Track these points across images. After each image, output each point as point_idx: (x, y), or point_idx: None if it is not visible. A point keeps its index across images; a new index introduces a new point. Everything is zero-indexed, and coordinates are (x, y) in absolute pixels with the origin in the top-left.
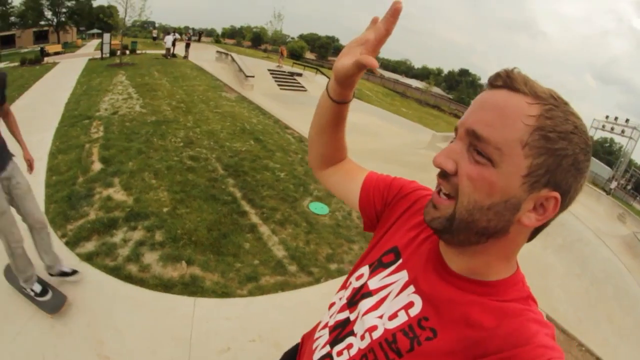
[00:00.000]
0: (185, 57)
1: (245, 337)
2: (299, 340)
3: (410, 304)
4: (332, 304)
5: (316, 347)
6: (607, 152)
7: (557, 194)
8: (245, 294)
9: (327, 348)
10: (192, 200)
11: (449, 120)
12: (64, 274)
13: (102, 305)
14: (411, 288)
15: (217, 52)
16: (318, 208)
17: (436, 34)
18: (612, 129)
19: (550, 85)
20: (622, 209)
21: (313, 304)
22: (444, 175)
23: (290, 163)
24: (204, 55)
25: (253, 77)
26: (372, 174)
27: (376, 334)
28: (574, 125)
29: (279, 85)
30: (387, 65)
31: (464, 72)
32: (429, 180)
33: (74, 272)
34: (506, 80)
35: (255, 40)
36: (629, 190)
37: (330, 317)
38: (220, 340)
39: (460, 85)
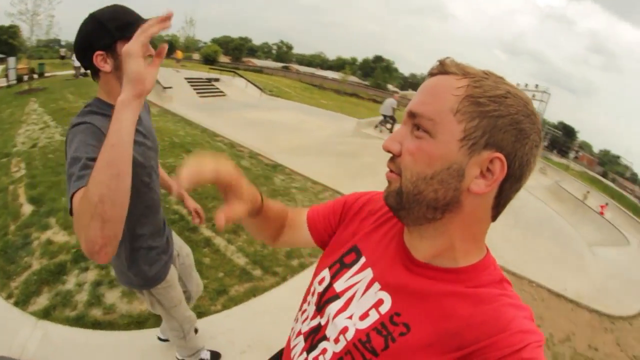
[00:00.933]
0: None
1: (236, 351)
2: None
3: (380, 302)
4: (303, 311)
5: (294, 356)
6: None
7: (499, 154)
8: (220, 309)
9: (304, 355)
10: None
11: (368, 105)
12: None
13: None
14: (377, 285)
15: None
16: None
17: (348, 24)
18: None
19: (464, 60)
20: (542, 163)
21: (287, 302)
22: (392, 158)
23: None
24: None
25: (171, 88)
26: (312, 211)
27: (349, 335)
28: (505, 90)
29: (198, 93)
30: (301, 60)
31: (378, 59)
32: (359, 165)
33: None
34: (439, 68)
35: (168, 49)
36: (547, 146)
37: (303, 323)
38: None
39: (375, 72)
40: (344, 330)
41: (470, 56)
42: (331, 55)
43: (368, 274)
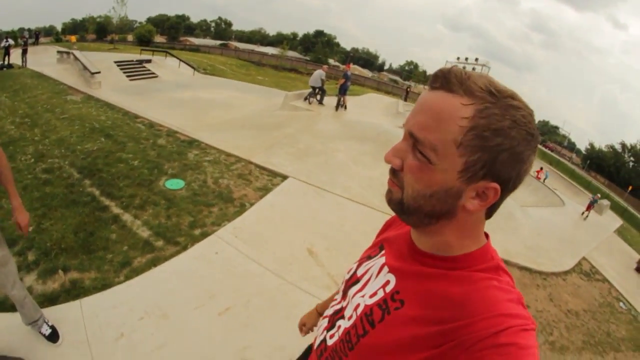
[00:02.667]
0: (23, 65)
1: (134, 318)
2: (183, 303)
3: (387, 282)
4: (334, 300)
5: (317, 336)
6: None
7: (495, 185)
8: (122, 280)
9: (324, 333)
10: (54, 211)
11: (307, 80)
12: None
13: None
14: (386, 268)
15: (58, 52)
16: (174, 184)
17: None
18: (464, 67)
19: (408, 35)
20: None
21: (185, 268)
22: (393, 171)
23: (142, 150)
24: (44, 59)
25: (99, 73)
26: None
27: (359, 310)
28: (511, 120)
29: (128, 76)
30: (241, 36)
31: (319, 34)
32: (279, 136)
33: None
34: (443, 82)
35: (99, 31)
36: None
37: (331, 308)
38: (112, 329)
39: (316, 47)
40: (357, 306)
41: (413, 31)
42: (272, 31)
43: (382, 260)
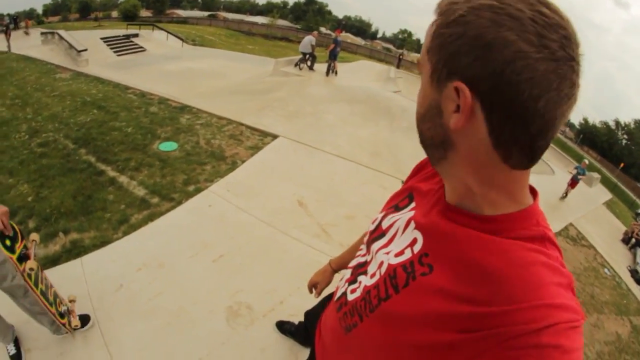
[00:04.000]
0: (8, 50)
1: (132, 269)
2: (179, 253)
3: (414, 241)
4: (359, 250)
5: (339, 286)
6: None
7: (458, 83)
8: (121, 236)
9: (345, 286)
10: (52, 180)
11: (298, 48)
12: None
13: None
14: (412, 224)
15: (42, 33)
16: (167, 146)
17: None
18: None
19: (401, 5)
20: None
21: (180, 221)
22: None
23: (135, 118)
24: (28, 42)
25: (86, 50)
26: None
27: (382, 270)
28: (467, 8)
29: (115, 51)
30: (229, 6)
31: (310, 2)
32: (270, 99)
33: None
34: (435, 11)
35: (83, 10)
36: None
37: (355, 259)
38: (112, 282)
39: (307, 15)
40: (381, 264)
41: None
42: (262, 0)
43: (410, 214)
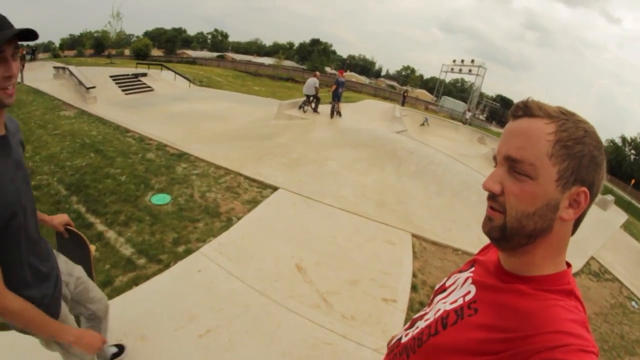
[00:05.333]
0: (21, 81)
1: (111, 340)
2: (163, 325)
3: (468, 292)
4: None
5: (397, 334)
6: (460, 91)
7: (585, 189)
8: None
9: (402, 333)
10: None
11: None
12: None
13: None
14: (470, 280)
15: (55, 67)
16: (160, 199)
17: (285, 8)
18: (461, 70)
19: (403, 39)
20: (480, 133)
21: (166, 287)
22: (492, 196)
23: (130, 165)
24: (40, 75)
25: (94, 87)
26: None
27: (438, 314)
28: (584, 130)
29: (123, 90)
30: (237, 48)
31: (315, 42)
32: (271, 146)
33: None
34: (525, 110)
35: (97, 46)
36: (486, 118)
37: (417, 314)
38: None
39: (312, 55)
40: (437, 311)
41: (408, 35)
42: (268, 41)
43: (469, 274)
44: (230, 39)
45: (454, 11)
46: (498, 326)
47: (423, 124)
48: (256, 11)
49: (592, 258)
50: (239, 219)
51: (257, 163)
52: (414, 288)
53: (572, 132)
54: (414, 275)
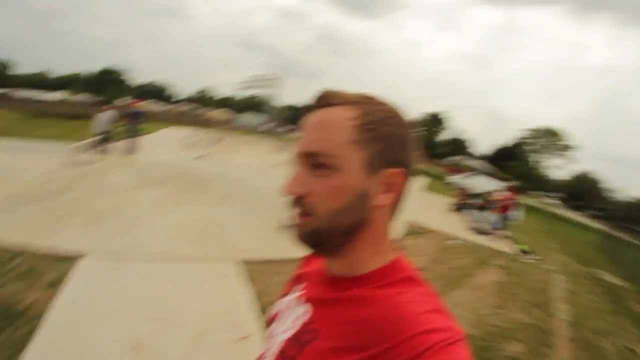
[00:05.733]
0: None
1: None
2: None
3: (303, 314)
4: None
5: None
6: (258, 105)
7: (398, 170)
8: None
9: None
10: None
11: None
12: None
13: None
14: (302, 299)
15: None
16: None
17: (81, 31)
18: (257, 85)
19: (202, 60)
20: (282, 142)
21: None
22: (297, 200)
23: None
24: None
25: None
26: None
27: (276, 348)
28: (385, 112)
29: None
30: (20, 82)
31: (105, 72)
32: (63, 205)
33: None
34: (321, 100)
35: None
36: (285, 128)
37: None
38: None
39: (105, 86)
40: (274, 343)
41: (208, 55)
42: (65, 69)
43: (300, 292)
44: (15, 71)
45: (253, 30)
46: (349, 346)
47: (219, 144)
48: (51, 35)
49: (409, 222)
50: (46, 313)
51: (52, 230)
52: (263, 312)
53: (374, 115)
54: (259, 299)
